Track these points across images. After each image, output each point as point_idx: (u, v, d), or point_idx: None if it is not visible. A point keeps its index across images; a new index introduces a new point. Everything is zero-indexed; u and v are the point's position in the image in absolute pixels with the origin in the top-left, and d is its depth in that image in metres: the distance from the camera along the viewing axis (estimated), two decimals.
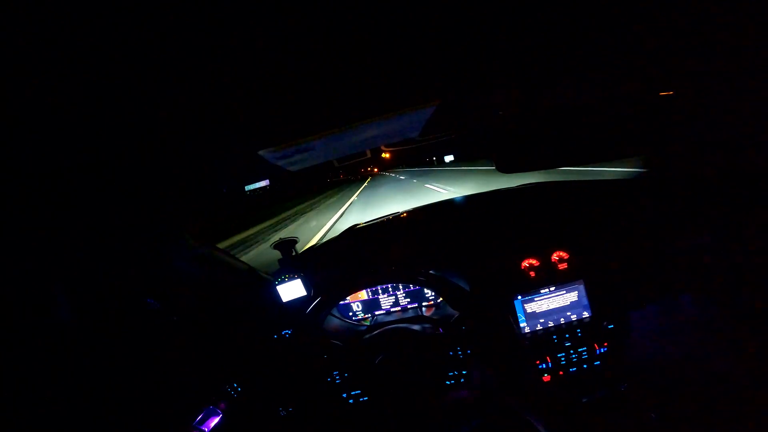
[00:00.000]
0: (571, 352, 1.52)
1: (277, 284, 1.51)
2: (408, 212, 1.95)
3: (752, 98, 1.04)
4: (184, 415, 1.41)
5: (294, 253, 1.63)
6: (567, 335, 1.52)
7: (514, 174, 1.24)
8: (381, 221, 1.98)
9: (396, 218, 1.96)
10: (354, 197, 19.30)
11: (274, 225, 14.68)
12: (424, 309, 1.71)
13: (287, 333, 1.61)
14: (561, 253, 1.50)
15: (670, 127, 1.09)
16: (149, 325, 1.43)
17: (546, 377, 1.55)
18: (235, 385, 1.56)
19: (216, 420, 1.45)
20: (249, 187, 1.47)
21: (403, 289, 1.71)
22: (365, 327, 1.66)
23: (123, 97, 0.63)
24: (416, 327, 1.55)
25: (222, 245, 1.63)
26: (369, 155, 1.35)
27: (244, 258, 1.80)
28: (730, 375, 1.45)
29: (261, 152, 0.83)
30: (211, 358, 1.55)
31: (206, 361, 1.54)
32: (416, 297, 1.71)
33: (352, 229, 1.95)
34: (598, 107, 1.07)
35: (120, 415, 1.19)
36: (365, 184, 30.21)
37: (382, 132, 0.93)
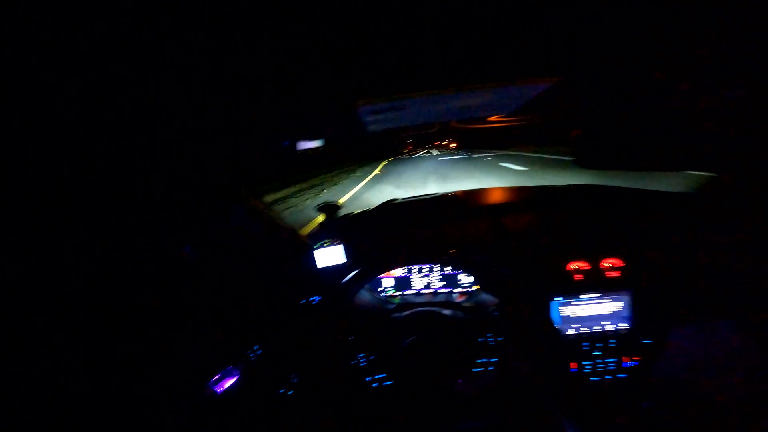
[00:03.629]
0: (598, 361, 1.50)
1: (315, 249, 1.47)
2: (451, 194, 1.89)
3: None
4: (203, 374, 1.37)
5: (334, 219, 1.58)
6: (599, 344, 1.49)
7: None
8: (419, 199, 1.92)
9: (435, 199, 1.90)
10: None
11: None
12: (455, 295, 1.68)
13: (314, 300, 1.58)
14: (613, 261, 1.45)
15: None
16: (181, 274, 1.39)
17: None
18: (256, 347, 1.52)
19: (231, 381, 1.41)
20: (301, 146, 1.40)
21: (439, 271, 1.67)
22: (393, 305, 1.63)
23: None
24: (447, 312, 1.52)
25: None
26: (436, 128, 1.29)
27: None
28: (759, 409, 1.43)
29: (360, 103, 0.76)
30: (238, 316, 1.51)
31: (232, 320, 1.50)
32: (450, 282, 1.68)
33: (389, 204, 1.90)
34: (700, 113, 1.00)
35: (136, 369, 1.15)
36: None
37: (480, 102, 0.87)
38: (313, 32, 0.61)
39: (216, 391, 1.37)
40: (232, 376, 1.42)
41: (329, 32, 0.62)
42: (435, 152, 33.27)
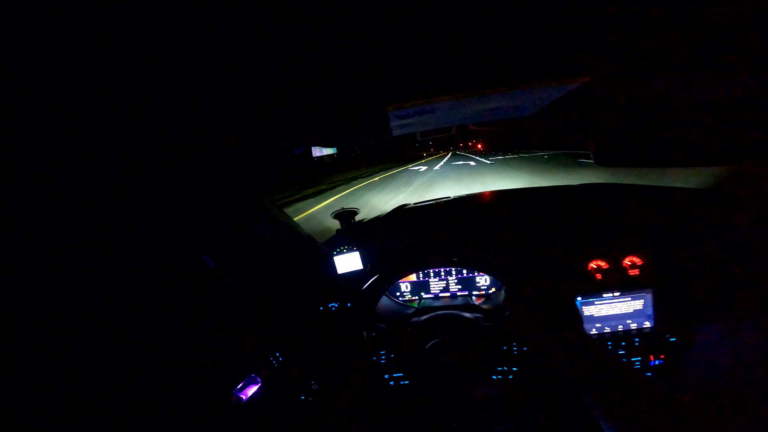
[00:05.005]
0: (624, 360, 1.48)
1: (335, 255, 1.47)
2: (463, 197, 1.89)
3: None
4: (227, 381, 1.38)
5: (347, 225, 1.58)
6: (623, 343, 1.47)
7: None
8: (432, 203, 1.92)
9: (449, 202, 1.90)
10: None
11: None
12: (474, 298, 1.67)
13: (334, 306, 1.58)
14: (634, 259, 1.43)
15: None
16: (202, 283, 1.40)
17: None
18: (278, 354, 1.53)
19: (255, 389, 1.43)
20: (317, 153, 1.42)
21: (456, 274, 1.66)
22: (412, 309, 1.62)
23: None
24: (468, 315, 1.51)
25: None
26: (454, 130, 1.29)
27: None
28: None
29: (388, 108, 0.77)
30: (258, 324, 1.52)
31: (253, 328, 1.51)
32: (468, 284, 1.67)
33: (401, 209, 1.90)
34: (728, 106, 0.99)
35: (161, 377, 1.16)
36: None
37: (509, 104, 0.87)
38: (336, 36, 0.62)
39: (241, 399, 1.38)
40: (254, 384, 1.43)
41: (352, 36, 0.63)
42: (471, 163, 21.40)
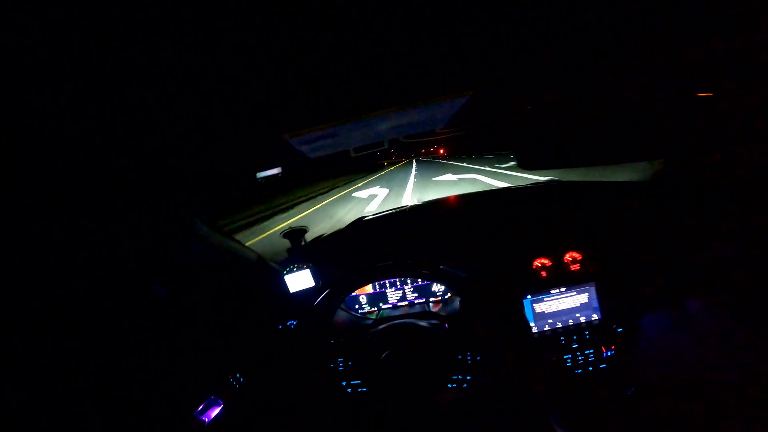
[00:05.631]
0: (578, 353, 1.51)
1: (285, 274, 1.49)
2: (416, 206, 1.92)
3: None
4: (186, 405, 1.38)
5: (303, 243, 1.60)
6: (575, 337, 1.51)
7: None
8: (389, 214, 1.95)
9: (404, 211, 1.93)
10: None
11: None
12: (431, 304, 1.69)
13: (292, 324, 1.59)
14: (574, 254, 1.48)
15: (700, 130, 1.06)
16: (154, 312, 1.40)
17: None
18: (238, 375, 1.53)
19: (216, 410, 1.42)
20: (260, 175, 1.43)
21: (411, 283, 1.69)
22: (371, 321, 1.64)
23: (139, 81, 0.60)
24: (423, 323, 1.53)
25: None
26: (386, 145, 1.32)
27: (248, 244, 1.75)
28: (739, 385, 1.44)
29: (286, 136, 0.80)
30: (215, 347, 1.52)
31: (210, 351, 1.51)
32: (424, 292, 1.70)
33: (359, 221, 1.92)
34: (630, 106, 1.05)
35: (121, 403, 1.16)
36: None
37: (407, 121, 0.91)
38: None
39: (204, 421, 1.37)
40: (216, 405, 1.43)
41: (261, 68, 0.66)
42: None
